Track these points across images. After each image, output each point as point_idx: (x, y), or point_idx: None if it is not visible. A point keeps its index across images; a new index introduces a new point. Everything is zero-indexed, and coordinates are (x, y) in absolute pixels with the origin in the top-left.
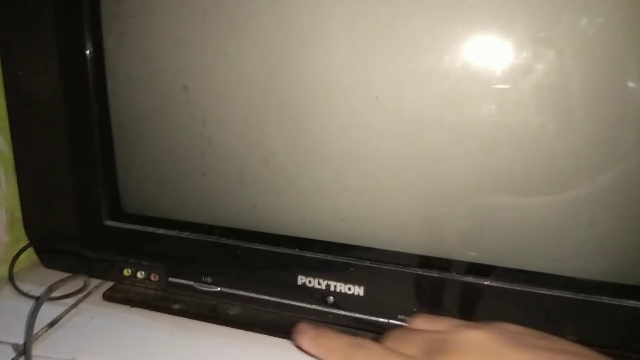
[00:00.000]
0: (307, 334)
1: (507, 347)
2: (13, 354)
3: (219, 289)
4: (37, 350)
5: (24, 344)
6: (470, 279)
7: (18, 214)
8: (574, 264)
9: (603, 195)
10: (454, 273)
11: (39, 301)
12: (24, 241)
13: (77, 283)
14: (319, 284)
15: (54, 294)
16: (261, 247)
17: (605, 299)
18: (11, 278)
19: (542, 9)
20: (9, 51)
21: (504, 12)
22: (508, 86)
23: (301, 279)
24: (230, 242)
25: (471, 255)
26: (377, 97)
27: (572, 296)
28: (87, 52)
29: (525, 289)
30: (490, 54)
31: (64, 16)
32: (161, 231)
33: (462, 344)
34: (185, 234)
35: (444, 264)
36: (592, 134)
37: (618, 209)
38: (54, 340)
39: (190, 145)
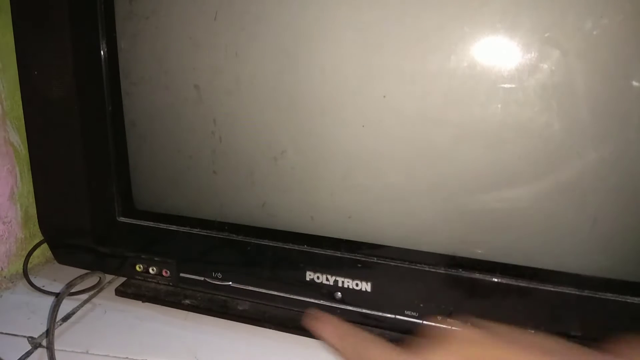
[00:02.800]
0: (321, 320)
1: None
2: (29, 347)
3: (229, 284)
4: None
5: (47, 338)
6: (476, 275)
7: (33, 211)
8: (579, 261)
9: (607, 194)
10: (460, 270)
11: (59, 297)
12: (38, 237)
13: (91, 279)
14: (327, 280)
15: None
16: (270, 244)
17: (610, 296)
18: (25, 273)
19: (548, 9)
20: (25, 51)
21: (510, 12)
22: (514, 85)
23: (309, 275)
24: (240, 238)
25: (477, 252)
26: (384, 97)
27: (577, 293)
28: (101, 52)
29: (531, 286)
30: (496, 53)
31: (79, 17)
32: (173, 227)
33: None
34: (196, 231)
35: (450, 261)
36: (597, 133)
37: (623, 208)
38: (68, 333)
39: (201, 143)
